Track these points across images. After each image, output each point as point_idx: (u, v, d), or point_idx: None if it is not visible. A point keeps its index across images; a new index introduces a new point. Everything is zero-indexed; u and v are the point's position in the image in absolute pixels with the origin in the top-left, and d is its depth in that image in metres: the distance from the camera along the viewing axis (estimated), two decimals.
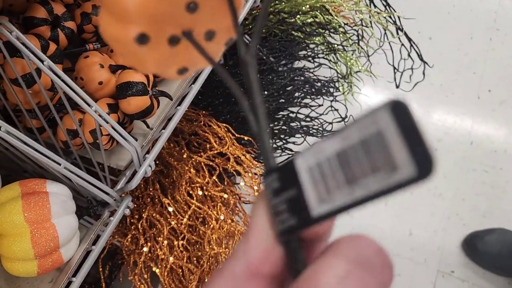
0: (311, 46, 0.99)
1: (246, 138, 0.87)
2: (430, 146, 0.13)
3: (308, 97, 0.97)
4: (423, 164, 0.13)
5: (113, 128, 0.52)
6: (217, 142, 0.82)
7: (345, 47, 0.97)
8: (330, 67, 0.99)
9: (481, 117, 1.53)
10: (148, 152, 0.61)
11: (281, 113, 0.93)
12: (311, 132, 0.91)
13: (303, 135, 0.90)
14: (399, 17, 1.08)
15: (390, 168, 0.14)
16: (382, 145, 0.14)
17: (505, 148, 1.46)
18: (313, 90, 0.96)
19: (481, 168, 1.44)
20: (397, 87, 1.14)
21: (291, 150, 0.92)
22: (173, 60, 0.21)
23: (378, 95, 1.49)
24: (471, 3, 1.77)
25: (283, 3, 1.02)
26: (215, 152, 0.80)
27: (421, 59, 1.13)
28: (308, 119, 0.93)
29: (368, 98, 1.37)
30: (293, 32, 0.99)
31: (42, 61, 0.50)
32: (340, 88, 1.01)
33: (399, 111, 0.14)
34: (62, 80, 0.54)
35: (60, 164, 0.52)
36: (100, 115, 0.51)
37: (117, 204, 0.57)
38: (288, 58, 0.98)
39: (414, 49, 1.12)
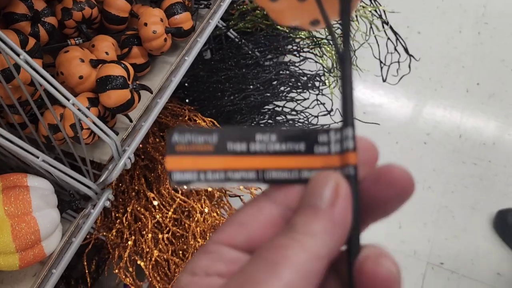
0: (297, 40, 1.00)
1: None
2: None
3: (294, 91, 0.97)
4: None
5: (92, 122, 0.52)
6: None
7: (330, 41, 0.98)
8: (316, 61, 1.00)
9: (470, 110, 1.54)
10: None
11: (266, 107, 0.94)
12: (296, 125, 0.91)
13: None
14: (384, 11, 1.09)
15: None
16: None
17: (494, 141, 1.47)
18: (299, 84, 0.97)
19: (470, 161, 1.45)
20: (384, 80, 1.15)
21: None
22: (304, 12, 0.24)
23: (366, 89, 1.50)
24: None
25: None
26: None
27: (407, 53, 1.14)
28: (293, 112, 0.93)
29: (355, 91, 1.38)
30: (278, 27, 0.99)
31: (18, 55, 0.50)
32: (326, 81, 1.02)
33: None
34: (40, 75, 0.55)
35: (38, 157, 0.53)
36: (79, 109, 0.52)
37: (98, 197, 0.57)
38: (273, 53, 0.99)
39: (400, 42, 1.13)
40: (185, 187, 0.22)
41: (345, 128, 0.21)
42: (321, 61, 1.00)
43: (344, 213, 0.19)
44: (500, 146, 1.46)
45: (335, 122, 0.95)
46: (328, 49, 0.99)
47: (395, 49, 1.14)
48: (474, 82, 1.59)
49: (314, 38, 0.97)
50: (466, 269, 1.27)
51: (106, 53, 0.68)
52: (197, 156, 0.21)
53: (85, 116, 0.53)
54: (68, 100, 0.52)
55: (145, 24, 0.69)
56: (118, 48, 0.73)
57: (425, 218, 1.36)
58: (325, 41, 0.98)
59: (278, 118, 0.93)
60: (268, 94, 0.94)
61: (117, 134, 0.64)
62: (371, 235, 0.18)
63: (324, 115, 0.95)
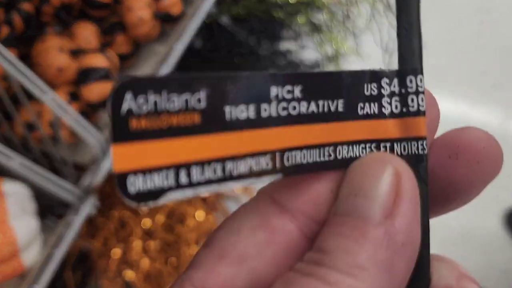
0: (294, 27, 0.94)
1: None
2: None
3: None
4: None
5: (73, 118, 0.46)
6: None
7: (330, 28, 0.92)
8: (316, 49, 0.94)
9: (475, 100, 1.49)
10: None
11: None
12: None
13: None
14: None
15: None
16: None
17: (500, 133, 1.42)
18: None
19: None
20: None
21: None
22: None
23: None
24: None
25: None
26: None
27: None
28: None
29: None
30: (273, 13, 0.93)
31: None
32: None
33: None
34: (15, 67, 0.48)
35: (14, 160, 0.47)
36: (58, 105, 0.46)
37: (81, 203, 0.51)
38: (269, 39, 0.93)
39: None
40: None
41: (410, 74, 0.14)
42: (320, 49, 0.94)
43: (411, 228, 0.12)
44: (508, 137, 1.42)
45: None
46: (328, 36, 0.93)
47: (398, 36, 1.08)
48: (477, 71, 1.54)
49: (313, 25, 0.91)
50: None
51: (88, 42, 0.62)
52: (174, 137, 0.12)
53: (65, 112, 0.47)
54: (46, 94, 0.46)
55: (130, 9, 0.63)
56: (101, 36, 0.66)
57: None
58: (325, 27, 0.92)
59: None
60: None
61: (101, 131, 0.57)
62: None
63: None
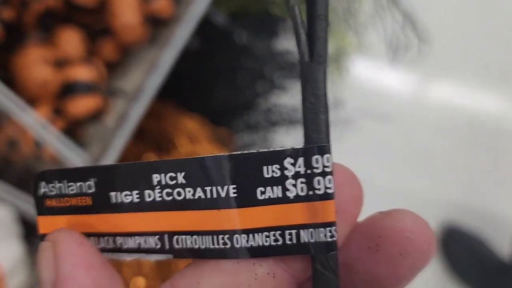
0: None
1: (222, 132, 0.78)
2: None
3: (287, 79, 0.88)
4: None
5: (55, 138, 0.43)
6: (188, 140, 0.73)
7: (330, 25, 0.88)
8: None
9: (482, 93, 1.45)
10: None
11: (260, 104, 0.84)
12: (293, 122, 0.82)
13: (284, 127, 0.81)
14: None
15: None
16: None
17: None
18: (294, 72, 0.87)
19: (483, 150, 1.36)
20: (390, 64, 1.05)
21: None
22: None
23: (371, 76, 1.39)
24: None
25: None
26: (187, 151, 0.71)
27: (416, 34, 1.04)
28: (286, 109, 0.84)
29: (358, 80, 1.26)
30: (270, 9, 0.89)
31: None
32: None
33: None
34: None
35: None
36: (39, 124, 0.42)
37: None
38: (266, 38, 0.89)
39: (409, 22, 1.03)
40: None
41: (317, 153, 0.13)
42: None
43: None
44: None
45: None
46: (331, 33, 0.89)
47: (402, 30, 1.04)
48: (483, 64, 1.49)
49: None
50: None
51: (73, 49, 0.58)
52: (74, 214, 0.16)
53: (47, 132, 0.44)
54: (26, 113, 0.42)
55: (117, 14, 0.59)
56: (87, 43, 0.62)
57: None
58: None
59: (271, 115, 0.83)
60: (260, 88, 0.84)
61: (89, 145, 0.54)
62: None
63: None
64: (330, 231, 0.13)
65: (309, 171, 0.13)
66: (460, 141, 1.36)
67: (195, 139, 0.72)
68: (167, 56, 0.62)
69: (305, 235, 0.13)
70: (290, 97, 0.87)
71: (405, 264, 0.13)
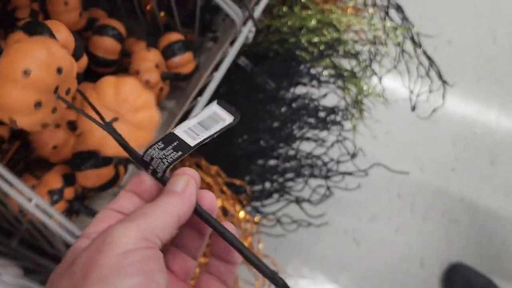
0: (317, 69, 0.87)
1: (238, 182, 0.76)
2: (234, 109, 0.30)
3: (309, 128, 0.85)
4: (235, 116, 0.30)
5: (57, 223, 0.41)
6: None
7: (356, 73, 0.85)
8: (338, 94, 0.87)
9: (504, 131, 1.40)
10: None
11: (279, 150, 0.82)
12: (314, 173, 0.79)
13: (304, 178, 0.79)
14: (418, 34, 0.95)
15: (222, 121, 0.29)
16: (216, 116, 0.30)
17: None
18: (317, 120, 0.85)
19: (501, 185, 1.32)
20: (413, 110, 1.02)
21: (290, 194, 0.80)
22: None
23: (393, 122, 1.32)
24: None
25: (284, 17, 0.89)
26: None
27: (441, 78, 1.00)
28: (309, 157, 0.82)
29: (380, 124, 1.21)
30: (296, 52, 0.86)
31: None
32: (349, 116, 0.89)
33: (220, 103, 0.30)
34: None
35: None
36: (42, 210, 0.41)
37: None
38: (289, 82, 0.86)
39: (433, 67, 0.99)
40: None
41: None
42: (344, 94, 0.88)
43: (190, 195, 0.27)
44: None
45: (358, 170, 0.83)
46: (353, 81, 0.86)
47: (427, 74, 1.01)
48: (509, 98, 1.45)
49: (337, 69, 0.84)
50: None
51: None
52: None
53: (49, 217, 0.42)
54: (30, 200, 0.41)
55: (137, 72, 0.57)
56: None
57: (450, 255, 1.24)
58: (349, 72, 0.85)
59: (289, 164, 0.81)
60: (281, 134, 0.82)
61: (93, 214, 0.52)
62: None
63: (345, 161, 0.82)
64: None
65: None
66: None
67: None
68: (191, 113, 0.60)
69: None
70: (309, 144, 0.85)
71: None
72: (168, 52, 0.61)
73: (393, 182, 1.26)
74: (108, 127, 0.32)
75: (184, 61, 0.62)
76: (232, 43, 0.59)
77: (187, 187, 0.27)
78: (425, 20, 1.57)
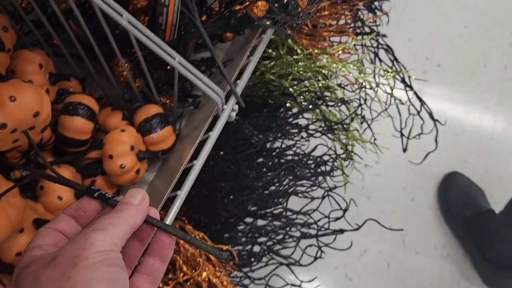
0: (307, 117, 0.83)
1: (225, 247, 0.72)
2: None
3: (298, 181, 0.81)
4: None
5: None
6: (188, 266, 0.67)
7: (346, 125, 0.81)
8: (328, 146, 0.83)
9: (496, 159, 1.38)
10: None
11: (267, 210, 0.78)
12: (305, 234, 0.75)
13: (295, 239, 0.75)
14: (409, 77, 0.92)
15: None
16: None
17: None
18: (307, 173, 0.81)
19: None
20: (404, 151, 0.98)
21: (278, 255, 0.76)
22: None
23: (384, 168, 1.29)
24: (485, 22, 1.59)
25: (271, 62, 0.85)
26: (186, 278, 0.66)
27: (432, 119, 0.97)
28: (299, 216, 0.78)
29: (372, 168, 1.17)
30: (284, 103, 0.83)
31: None
32: (338, 165, 0.85)
33: None
34: None
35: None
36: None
37: None
38: (277, 135, 0.82)
39: (425, 108, 0.96)
40: None
41: None
42: (333, 144, 0.84)
43: (145, 208, 0.33)
44: None
45: (353, 228, 0.79)
46: (344, 133, 0.82)
47: (418, 114, 0.97)
48: (499, 126, 1.42)
49: (326, 122, 0.80)
50: None
51: (59, 197, 0.52)
52: None
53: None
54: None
55: (110, 157, 0.53)
56: (78, 175, 0.56)
57: None
58: (339, 124, 0.81)
59: (277, 223, 0.77)
60: (267, 192, 0.78)
61: None
62: None
63: (337, 219, 0.79)
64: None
65: None
66: None
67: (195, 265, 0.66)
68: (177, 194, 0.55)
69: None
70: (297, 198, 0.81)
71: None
72: (145, 128, 0.57)
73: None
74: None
75: (162, 137, 0.57)
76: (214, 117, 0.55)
77: (143, 201, 0.33)
78: (415, 43, 1.55)
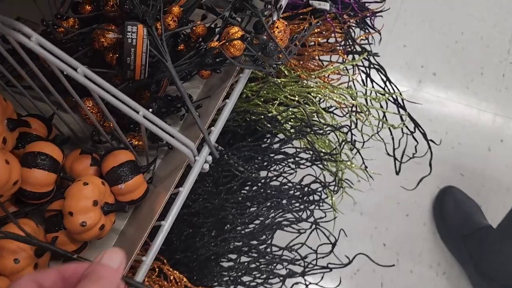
0: (293, 147, 0.79)
1: None
2: None
3: (284, 213, 0.77)
4: None
5: None
6: None
7: (335, 155, 0.77)
8: (316, 173, 0.79)
9: (493, 172, 1.34)
10: None
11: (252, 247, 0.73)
12: (291, 273, 0.71)
13: (281, 279, 0.71)
14: (402, 100, 0.87)
15: None
16: None
17: None
18: (293, 204, 0.77)
19: None
20: (397, 173, 0.94)
21: None
22: None
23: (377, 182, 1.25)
24: (482, 28, 1.54)
25: (258, 85, 0.81)
26: None
27: (426, 139, 0.93)
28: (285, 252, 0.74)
29: (362, 193, 1.11)
30: (269, 130, 0.78)
31: None
32: (328, 195, 0.81)
33: None
34: None
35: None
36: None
37: None
38: (262, 165, 0.78)
39: (419, 130, 0.92)
40: None
41: None
42: (322, 174, 0.79)
43: (122, 270, 0.31)
44: None
45: (341, 265, 0.75)
46: (333, 164, 0.78)
47: (412, 136, 0.93)
48: (497, 138, 1.38)
49: (315, 152, 0.76)
50: None
51: (16, 260, 0.47)
52: None
53: None
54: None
55: (70, 214, 0.48)
56: (39, 229, 0.52)
57: None
58: (328, 155, 0.77)
59: (264, 260, 0.73)
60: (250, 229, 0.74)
61: None
62: None
63: (326, 255, 0.74)
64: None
65: None
66: None
67: None
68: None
69: None
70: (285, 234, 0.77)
71: None
72: (112, 178, 0.52)
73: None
74: None
75: (132, 187, 0.53)
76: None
77: (121, 264, 0.32)
78: (409, 50, 1.50)
